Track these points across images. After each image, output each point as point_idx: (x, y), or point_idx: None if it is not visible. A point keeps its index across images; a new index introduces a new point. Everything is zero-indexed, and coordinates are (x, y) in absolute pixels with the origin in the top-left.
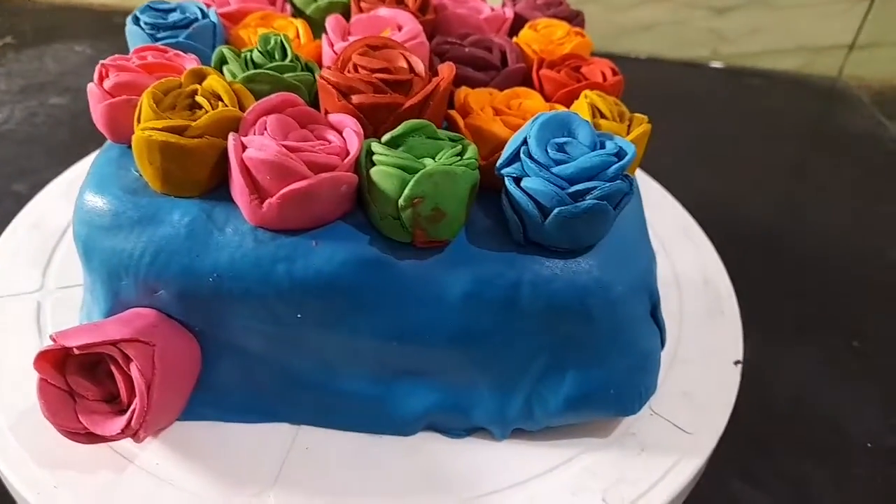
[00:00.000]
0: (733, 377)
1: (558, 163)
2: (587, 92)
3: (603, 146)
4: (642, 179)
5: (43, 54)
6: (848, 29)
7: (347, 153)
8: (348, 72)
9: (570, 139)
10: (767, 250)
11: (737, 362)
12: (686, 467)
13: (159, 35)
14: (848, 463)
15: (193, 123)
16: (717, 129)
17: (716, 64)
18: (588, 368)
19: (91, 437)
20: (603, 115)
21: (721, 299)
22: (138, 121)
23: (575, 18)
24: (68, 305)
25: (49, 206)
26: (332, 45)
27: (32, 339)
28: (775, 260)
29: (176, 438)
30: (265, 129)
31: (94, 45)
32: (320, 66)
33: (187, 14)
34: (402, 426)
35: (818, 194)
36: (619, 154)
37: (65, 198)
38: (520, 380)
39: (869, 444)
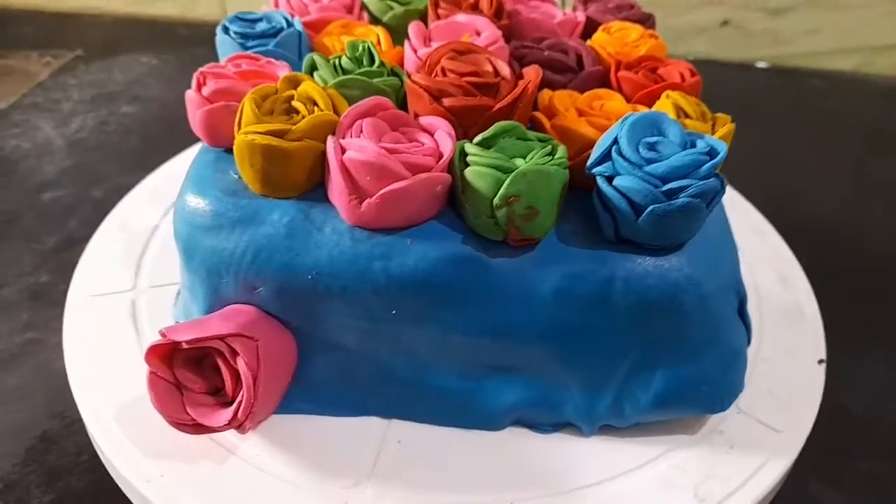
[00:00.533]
0: (818, 376)
1: (650, 161)
2: (669, 92)
3: (694, 145)
4: None
5: (111, 66)
6: None
7: (441, 154)
8: (437, 76)
9: (660, 138)
10: (834, 250)
11: (820, 361)
12: (776, 465)
13: (249, 44)
14: None
15: (293, 127)
16: (777, 130)
17: (768, 65)
18: (678, 366)
19: (198, 428)
20: (687, 115)
21: (800, 300)
22: (239, 125)
23: (647, 21)
24: (161, 303)
25: (133, 210)
26: (415, 50)
27: (130, 335)
28: (842, 260)
29: (274, 431)
30: (361, 131)
31: (158, 56)
32: (404, 71)
33: (273, 23)
34: (491, 421)
35: (882, 195)
36: (711, 153)
37: (148, 201)
38: (610, 376)
39: None
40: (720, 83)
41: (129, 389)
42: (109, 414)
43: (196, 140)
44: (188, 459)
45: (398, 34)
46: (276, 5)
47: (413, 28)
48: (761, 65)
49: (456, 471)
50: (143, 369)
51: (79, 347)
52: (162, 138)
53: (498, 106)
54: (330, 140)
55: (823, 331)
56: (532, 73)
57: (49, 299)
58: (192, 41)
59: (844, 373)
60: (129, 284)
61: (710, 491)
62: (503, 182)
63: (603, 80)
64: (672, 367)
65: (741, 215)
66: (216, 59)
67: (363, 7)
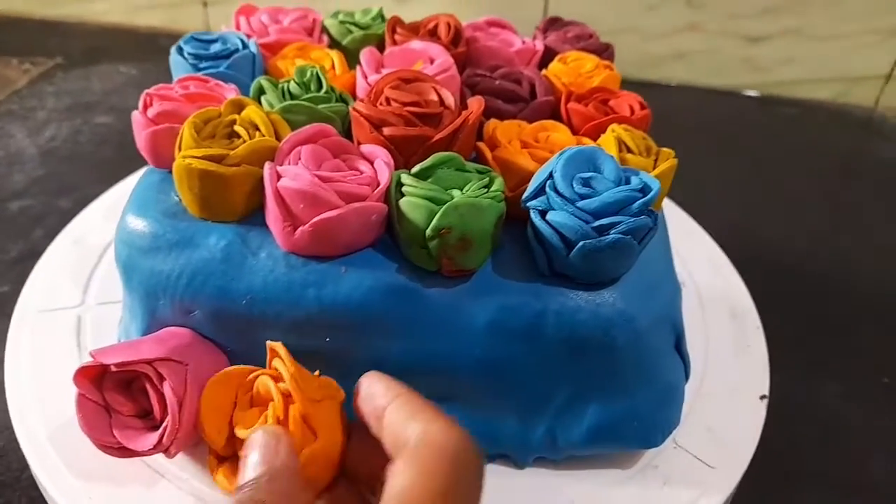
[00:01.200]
0: (759, 412)
1: (583, 197)
2: (614, 126)
3: (628, 181)
4: (670, 209)
5: (90, 74)
6: (885, 59)
7: (378, 183)
8: (380, 104)
9: (595, 174)
10: (798, 282)
11: (762, 397)
12: (709, 502)
13: (201, 65)
14: (875, 501)
15: (232, 152)
16: (751, 157)
17: (750, 92)
18: (611, 400)
19: (124, 452)
20: (629, 150)
21: (748, 333)
22: (179, 148)
23: (605, 52)
24: (107, 321)
25: (91, 224)
26: (365, 76)
27: (72, 353)
28: (807, 292)
29: (205, 453)
30: (300, 158)
31: (138, 67)
32: (354, 96)
33: (228, 45)
34: None
35: (851, 226)
36: (644, 189)
37: (106, 217)
38: (543, 409)
39: None
40: (696, 109)
41: (65, 408)
42: (43, 433)
43: None
44: (118, 482)
45: (356, 58)
46: (237, 26)
47: (365, 54)
48: (738, 92)
49: None
50: None
51: (21, 363)
52: (136, 151)
53: (438, 136)
54: (267, 166)
55: (773, 365)
56: (474, 105)
57: (5, 311)
58: None
59: (795, 406)
60: (77, 300)
61: None
62: (436, 213)
63: (554, 111)
64: (605, 401)
65: (698, 246)
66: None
67: (323, 30)
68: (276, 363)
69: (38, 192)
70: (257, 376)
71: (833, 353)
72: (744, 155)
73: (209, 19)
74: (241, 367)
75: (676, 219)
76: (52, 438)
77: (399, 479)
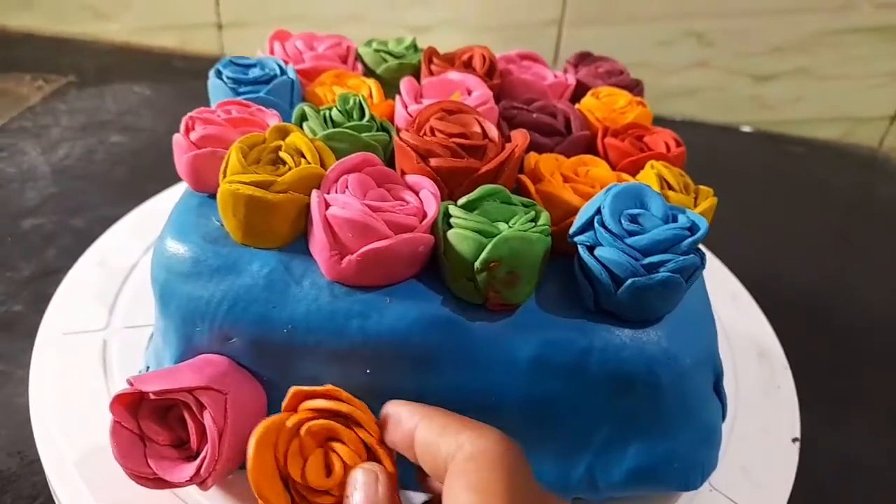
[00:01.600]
0: (792, 455)
1: (632, 234)
2: (654, 162)
3: (675, 219)
4: None
5: (104, 93)
6: (889, 100)
7: (425, 215)
8: (425, 135)
9: (643, 211)
10: (811, 320)
11: (794, 439)
12: None
13: (241, 90)
14: None
15: (279, 179)
16: (758, 194)
17: (757, 129)
18: (653, 440)
19: (159, 483)
20: (671, 187)
21: (776, 373)
22: (224, 173)
23: (635, 88)
24: (133, 345)
25: (114, 246)
26: (406, 106)
27: (98, 376)
28: (819, 331)
29: (238, 486)
30: (346, 187)
31: (152, 87)
32: (394, 126)
33: (267, 70)
34: None
35: (861, 264)
36: (693, 228)
37: (130, 237)
38: (584, 447)
39: None
40: (705, 145)
41: (92, 434)
42: (70, 458)
43: None
44: None
45: (391, 87)
46: (272, 51)
47: (405, 84)
48: (746, 129)
49: None
50: (109, 415)
51: (45, 386)
52: (150, 170)
53: (484, 169)
54: (314, 194)
55: (798, 407)
56: (520, 138)
57: (20, 331)
58: (188, 74)
59: (820, 447)
60: (102, 323)
61: None
62: (485, 246)
63: (589, 145)
64: (646, 441)
65: (720, 283)
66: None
67: (358, 58)
68: (313, 403)
69: (51, 211)
70: (299, 424)
71: (853, 392)
72: (751, 191)
73: (223, 42)
74: (271, 420)
75: None
76: (78, 464)
77: (457, 501)
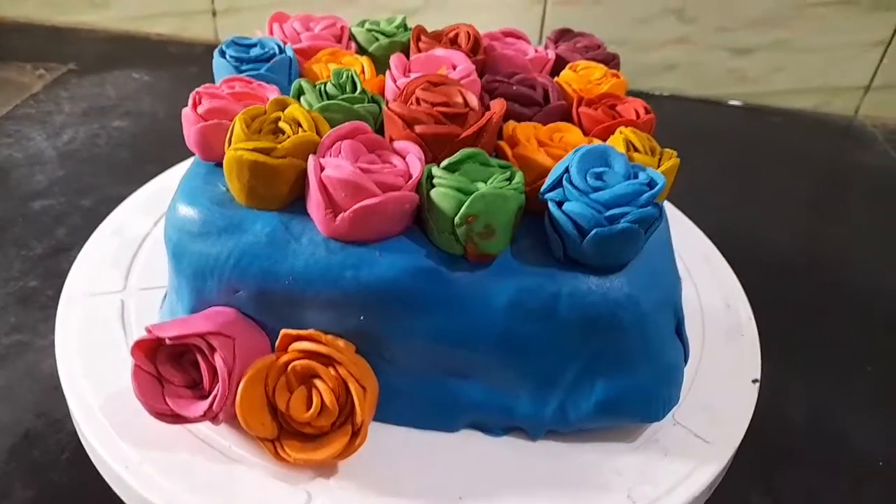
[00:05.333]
0: (751, 394)
1: (596, 189)
2: (622, 128)
3: (636, 176)
4: (669, 210)
5: (104, 80)
6: (864, 71)
7: (411, 176)
8: (412, 104)
9: (607, 169)
10: (785, 279)
11: (754, 381)
12: (704, 472)
13: (243, 67)
14: (860, 479)
15: (279, 146)
16: (738, 163)
17: (737, 102)
18: (617, 377)
19: (176, 418)
20: (636, 149)
21: (741, 322)
22: (229, 142)
23: (612, 61)
24: (149, 305)
25: (126, 218)
26: (395, 80)
27: (118, 333)
28: (793, 288)
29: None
30: (340, 152)
31: (151, 73)
32: (384, 98)
33: (267, 49)
34: (447, 422)
35: (833, 226)
36: (651, 183)
37: (140, 211)
38: (555, 384)
39: (880, 463)
40: (686, 118)
41: (114, 382)
42: (95, 404)
43: (185, 156)
44: (166, 448)
45: (382, 64)
46: (271, 32)
47: (394, 59)
48: (726, 101)
49: (413, 470)
50: (129, 364)
51: (69, 342)
52: (152, 152)
53: (464, 134)
54: (311, 158)
55: (764, 354)
56: (497, 106)
57: (36, 303)
58: (184, 60)
59: (785, 393)
60: (119, 286)
61: (642, 493)
62: (464, 203)
63: (566, 115)
64: (612, 378)
65: (695, 245)
66: (207, 77)
67: (351, 37)
68: (299, 345)
69: (59, 193)
70: (286, 363)
71: (819, 343)
72: (731, 161)
73: (217, 28)
74: (264, 359)
75: (674, 218)
76: (104, 409)
77: None
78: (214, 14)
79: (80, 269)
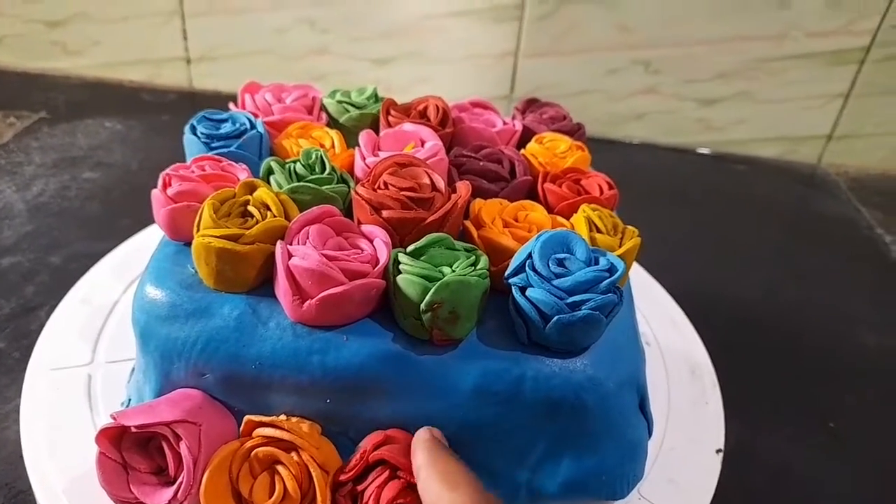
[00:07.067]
0: (715, 465)
1: (558, 276)
2: (585, 206)
3: (597, 262)
4: (635, 271)
5: (75, 129)
6: (826, 121)
7: (378, 261)
8: (379, 188)
9: (568, 255)
10: (749, 334)
11: (718, 451)
12: None
13: (213, 144)
14: None
15: (247, 232)
16: (704, 211)
17: (704, 150)
18: (582, 456)
19: None
20: (598, 230)
21: (706, 390)
22: (198, 227)
23: (577, 132)
24: (116, 378)
25: (96, 284)
26: (363, 158)
27: (84, 409)
28: (756, 344)
29: None
30: (308, 238)
31: (123, 122)
32: (351, 173)
33: (238, 125)
34: None
35: (797, 278)
36: (611, 270)
37: (111, 276)
38: (522, 464)
39: None
40: (655, 165)
41: (80, 463)
42: (59, 486)
43: None
44: None
45: (353, 135)
46: (243, 103)
47: (363, 137)
48: (693, 150)
49: None
50: (94, 446)
51: (34, 418)
52: (122, 206)
53: (430, 219)
54: (279, 245)
55: (728, 414)
56: (463, 189)
57: (2, 367)
58: (157, 107)
59: (750, 454)
60: (87, 358)
61: None
62: (429, 290)
63: (531, 189)
64: (576, 457)
65: (661, 308)
66: (179, 126)
67: (322, 108)
68: (262, 430)
69: (28, 249)
70: (250, 449)
71: (782, 401)
72: (696, 209)
73: (192, 76)
74: (228, 445)
75: (638, 278)
76: (67, 491)
77: None
78: (188, 61)
79: (48, 340)
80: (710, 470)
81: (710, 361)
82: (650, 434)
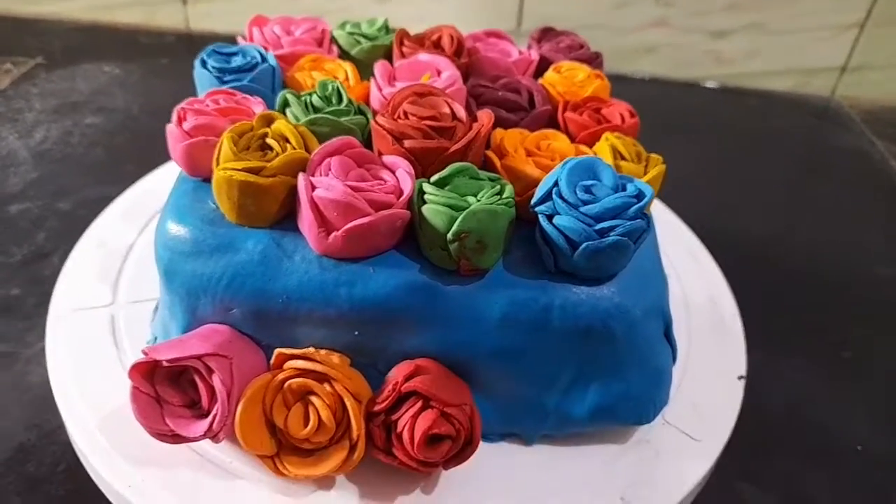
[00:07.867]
0: (737, 391)
1: (586, 203)
2: (608, 135)
3: (624, 188)
4: (654, 205)
5: (74, 74)
6: (840, 52)
7: (402, 192)
8: (399, 118)
9: (595, 182)
10: (764, 266)
11: (740, 377)
12: (695, 470)
13: (226, 78)
14: (839, 465)
15: (268, 164)
16: (716, 146)
17: (714, 84)
18: (610, 382)
19: (177, 438)
20: (623, 157)
21: (725, 319)
22: (218, 161)
23: (594, 61)
24: (139, 318)
25: (110, 228)
26: (380, 89)
27: (110, 348)
28: (771, 276)
29: None
30: (330, 169)
31: (122, 66)
32: (368, 106)
33: (249, 58)
34: None
35: (811, 211)
36: (639, 196)
37: (123, 220)
38: (550, 390)
39: (858, 448)
40: (665, 101)
41: (110, 400)
42: (92, 423)
43: (163, 158)
44: (167, 466)
45: (366, 68)
46: (251, 37)
47: (378, 68)
48: (704, 83)
49: (408, 479)
50: (124, 381)
51: (61, 359)
52: (128, 151)
53: (453, 148)
54: (301, 177)
55: (745, 346)
56: (485, 118)
57: (20, 313)
58: (155, 50)
59: (767, 383)
60: (108, 299)
61: (636, 494)
62: (456, 219)
63: (551, 119)
64: (604, 383)
65: (679, 240)
66: (179, 69)
67: (333, 40)
68: (294, 363)
69: (35, 195)
70: (282, 381)
71: (797, 331)
72: (710, 146)
73: (188, 17)
74: (261, 378)
75: (660, 212)
76: (101, 428)
77: None
78: (185, 1)
79: (66, 283)
80: (732, 396)
81: (729, 291)
82: (674, 361)
